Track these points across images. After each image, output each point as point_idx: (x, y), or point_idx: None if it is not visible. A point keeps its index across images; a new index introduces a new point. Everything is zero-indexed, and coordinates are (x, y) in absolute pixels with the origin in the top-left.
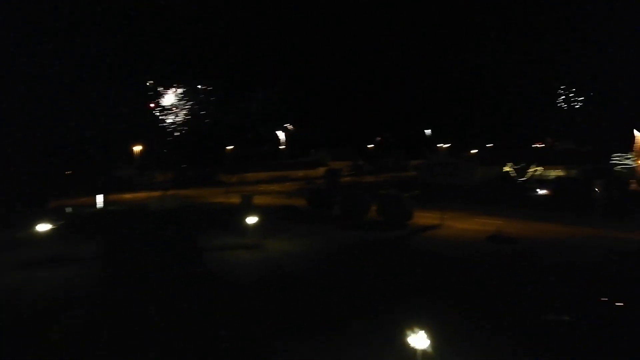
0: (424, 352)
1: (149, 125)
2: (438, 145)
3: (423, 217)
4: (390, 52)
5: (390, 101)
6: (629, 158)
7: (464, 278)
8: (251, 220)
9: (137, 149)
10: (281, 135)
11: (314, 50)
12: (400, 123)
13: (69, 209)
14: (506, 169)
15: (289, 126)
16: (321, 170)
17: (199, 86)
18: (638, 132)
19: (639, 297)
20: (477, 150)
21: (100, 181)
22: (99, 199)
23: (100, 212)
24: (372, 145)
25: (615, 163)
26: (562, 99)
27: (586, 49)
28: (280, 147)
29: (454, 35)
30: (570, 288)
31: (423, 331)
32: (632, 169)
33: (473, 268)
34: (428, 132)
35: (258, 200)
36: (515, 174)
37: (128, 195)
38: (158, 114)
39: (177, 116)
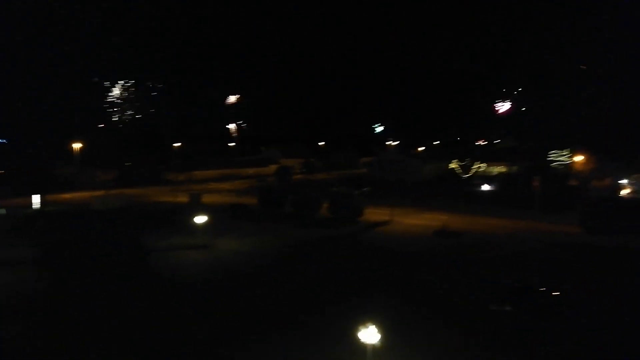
0: (374, 346)
1: (91, 121)
2: (387, 142)
3: (373, 214)
4: (340, 49)
5: (341, 99)
6: (564, 155)
7: (413, 272)
8: (200, 219)
9: (77, 146)
10: (232, 131)
11: (264, 46)
12: (350, 120)
13: (1, 211)
14: (452, 165)
15: (238, 124)
16: (272, 168)
17: (147, 83)
18: None
19: (575, 286)
20: (424, 148)
21: (36, 180)
22: (36, 200)
23: (37, 213)
24: (323, 143)
25: (552, 160)
26: (501, 100)
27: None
28: (230, 144)
29: (403, 33)
30: (512, 279)
31: (373, 326)
32: (568, 165)
33: (421, 262)
34: (379, 129)
35: (207, 198)
36: (461, 171)
37: (68, 195)
38: (102, 110)
39: (122, 113)
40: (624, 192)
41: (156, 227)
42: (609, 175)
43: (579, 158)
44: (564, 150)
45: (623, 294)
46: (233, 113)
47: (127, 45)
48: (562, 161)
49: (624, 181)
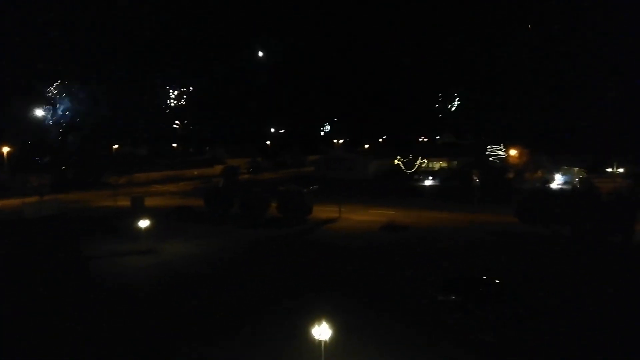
0: (326, 342)
1: (22, 123)
2: (334, 140)
3: (322, 211)
4: (286, 48)
5: (288, 97)
6: (500, 150)
7: (363, 267)
8: (143, 223)
9: (7, 150)
10: (176, 132)
11: (209, 43)
12: (298, 119)
13: None
14: (396, 162)
15: (182, 124)
16: (218, 169)
17: (83, 82)
18: None
19: (513, 273)
20: (369, 145)
21: None
22: None
23: None
24: (270, 142)
25: (489, 154)
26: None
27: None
28: (173, 145)
29: (347, 32)
30: (456, 269)
31: (325, 322)
32: (504, 159)
33: (370, 257)
34: (326, 128)
35: (150, 202)
36: (404, 167)
37: None
38: (35, 112)
39: (57, 114)
40: (554, 183)
41: (96, 233)
42: (541, 168)
43: (513, 152)
44: (499, 145)
45: (556, 278)
46: (176, 112)
47: (62, 43)
48: (499, 156)
49: (554, 173)
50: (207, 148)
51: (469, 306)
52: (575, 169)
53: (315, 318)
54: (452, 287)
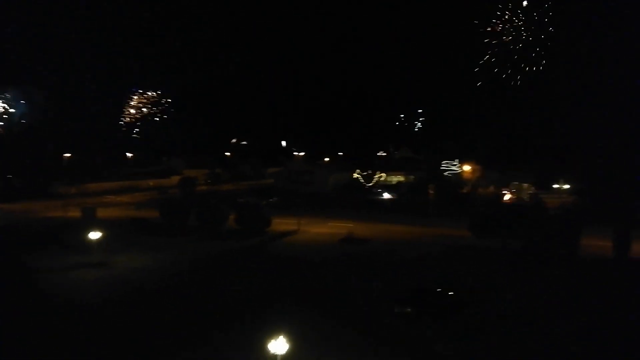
0: (283, 357)
1: None
2: (295, 153)
3: (281, 224)
4: (245, 58)
5: (248, 108)
6: (455, 165)
7: (321, 280)
8: (94, 235)
9: None
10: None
11: (166, 50)
12: (258, 131)
13: None
14: (355, 175)
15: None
16: (175, 179)
17: (33, 88)
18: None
19: (467, 285)
20: (329, 159)
21: None
22: None
23: None
24: (229, 153)
25: (444, 169)
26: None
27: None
28: (128, 154)
29: (306, 46)
30: (412, 281)
31: (282, 336)
32: (459, 174)
33: (329, 270)
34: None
35: (103, 213)
36: (364, 180)
37: None
38: None
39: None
40: (505, 198)
41: (45, 245)
42: (493, 184)
43: (467, 168)
44: (454, 161)
45: (507, 290)
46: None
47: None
48: (453, 171)
49: (505, 188)
50: (164, 158)
51: (424, 318)
52: (525, 185)
53: (272, 332)
54: (409, 300)
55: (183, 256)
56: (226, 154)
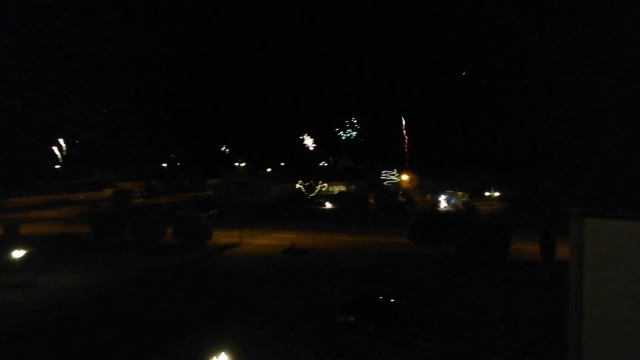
0: None
1: None
2: (235, 163)
3: (222, 237)
4: (186, 70)
5: (185, 118)
6: (393, 174)
7: (264, 293)
8: (18, 253)
9: None
10: (56, 151)
11: (100, 58)
12: (196, 141)
13: None
14: (297, 186)
15: (66, 143)
16: (107, 192)
17: None
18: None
19: (407, 292)
20: (271, 169)
21: None
22: None
23: None
24: (166, 165)
25: (384, 179)
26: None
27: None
28: (56, 166)
29: (246, 60)
30: (355, 290)
31: (224, 353)
32: (397, 184)
33: (271, 282)
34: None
35: (28, 229)
36: (306, 191)
37: None
38: None
39: None
40: (441, 206)
41: None
42: (429, 192)
43: (405, 177)
44: (392, 170)
45: (446, 295)
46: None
47: None
48: (392, 180)
49: (441, 197)
50: (96, 170)
51: (366, 327)
52: (459, 193)
53: (213, 350)
54: (351, 309)
55: (115, 273)
56: (163, 165)
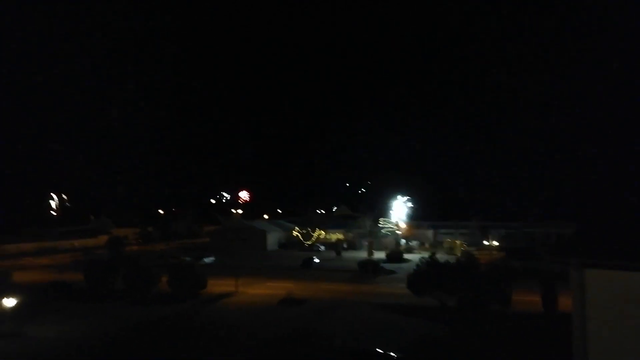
0: None
1: None
2: (232, 210)
3: (217, 285)
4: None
5: (182, 164)
6: (391, 222)
7: (260, 347)
8: (8, 302)
9: None
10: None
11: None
12: (193, 188)
13: None
14: (294, 233)
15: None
16: (102, 239)
17: None
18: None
19: (407, 344)
20: (268, 217)
21: None
22: None
23: None
24: (162, 211)
25: (381, 227)
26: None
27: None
28: (53, 213)
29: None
30: (353, 342)
31: None
32: (395, 232)
33: (267, 334)
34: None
35: (19, 276)
36: (302, 238)
37: None
38: None
39: None
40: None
41: None
42: (428, 241)
43: (403, 226)
44: (391, 218)
45: (446, 348)
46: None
47: None
48: (390, 228)
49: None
50: (92, 217)
51: None
52: (457, 242)
53: None
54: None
55: (108, 324)
56: (159, 211)
